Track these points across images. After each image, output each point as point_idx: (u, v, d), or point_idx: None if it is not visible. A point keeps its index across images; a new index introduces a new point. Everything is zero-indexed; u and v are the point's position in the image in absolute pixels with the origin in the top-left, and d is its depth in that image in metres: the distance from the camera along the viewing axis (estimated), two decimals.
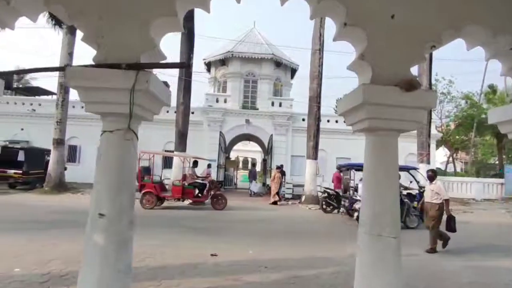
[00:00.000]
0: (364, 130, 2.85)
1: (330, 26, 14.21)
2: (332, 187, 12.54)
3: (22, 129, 19.74)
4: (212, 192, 11.39)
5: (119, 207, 2.68)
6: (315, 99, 14.00)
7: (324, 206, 12.19)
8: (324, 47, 13.87)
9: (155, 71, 2.90)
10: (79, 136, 19.45)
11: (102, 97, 2.62)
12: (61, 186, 14.68)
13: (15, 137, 19.38)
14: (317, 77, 13.85)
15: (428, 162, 14.39)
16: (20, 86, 25.97)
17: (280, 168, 14.67)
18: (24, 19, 2.63)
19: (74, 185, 16.85)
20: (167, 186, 12.12)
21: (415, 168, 11.28)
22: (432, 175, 6.76)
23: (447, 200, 6.41)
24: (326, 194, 12.25)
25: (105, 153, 2.77)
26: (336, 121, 19.83)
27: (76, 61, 14.87)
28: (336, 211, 11.96)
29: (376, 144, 2.85)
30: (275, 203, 13.73)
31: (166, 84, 3.11)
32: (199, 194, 11.37)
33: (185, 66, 2.18)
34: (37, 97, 21.40)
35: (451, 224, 6.42)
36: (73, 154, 19.60)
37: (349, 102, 2.81)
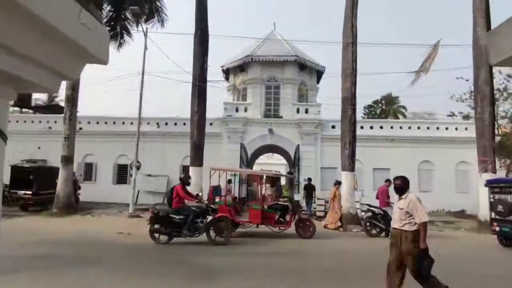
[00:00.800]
0: None
1: (361, 15, 12.26)
2: (373, 204, 10.36)
3: (39, 148, 19.13)
4: (297, 217, 9.42)
5: None
6: (349, 101, 11.99)
7: (368, 228, 9.98)
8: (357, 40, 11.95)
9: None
10: (94, 153, 18.49)
11: None
12: (70, 208, 13.45)
13: (32, 156, 18.78)
14: (350, 74, 11.89)
15: (494, 171, 11.78)
16: (42, 104, 25.92)
17: (339, 183, 11.92)
18: None
19: (89, 205, 15.74)
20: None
21: None
22: (402, 185, 4.26)
23: (423, 224, 3.97)
24: (370, 214, 10.05)
25: None
26: (371, 127, 17.56)
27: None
28: (383, 234, 9.69)
29: None
30: (338, 227, 11.30)
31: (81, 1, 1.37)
32: (281, 219, 9.27)
33: None
34: (54, 114, 20.87)
35: (422, 268, 3.88)
36: (89, 172, 18.64)
37: None
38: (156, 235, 7.89)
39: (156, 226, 7.84)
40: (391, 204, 9.83)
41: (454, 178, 16.79)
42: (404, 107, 33.51)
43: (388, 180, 10.05)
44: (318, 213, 14.09)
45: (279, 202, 9.86)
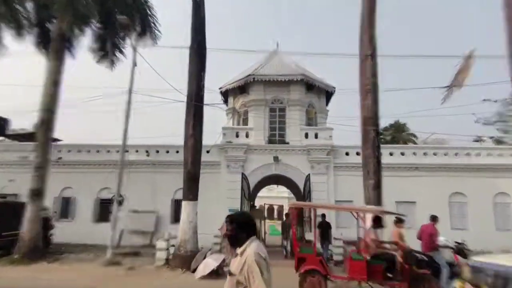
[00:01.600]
0: None
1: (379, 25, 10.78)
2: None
3: (10, 181, 16.82)
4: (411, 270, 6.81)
5: None
6: (371, 121, 10.14)
7: None
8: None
9: None
10: (73, 186, 16.22)
11: None
12: (37, 253, 11.01)
13: (2, 190, 16.49)
14: (371, 90, 10.16)
15: None
16: (20, 131, 23.79)
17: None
18: None
19: (62, 247, 13.26)
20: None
21: None
22: (234, 233, 2.41)
23: None
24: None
25: None
26: (391, 154, 15.59)
27: (65, 90, 12.15)
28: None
29: None
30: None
31: None
32: (388, 273, 6.98)
33: None
34: (33, 143, 18.85)
35: None
36: (66, 208, 16.23)
37: None
38: None
39: None
40: (439, 249, 7.65)
41: (493, 213, 14.54)
42: (414, 135, 31.93)
43: (435, 218, 7.89)
44: (335, 257, 11.67)
45: (387, 251, 7.35)
